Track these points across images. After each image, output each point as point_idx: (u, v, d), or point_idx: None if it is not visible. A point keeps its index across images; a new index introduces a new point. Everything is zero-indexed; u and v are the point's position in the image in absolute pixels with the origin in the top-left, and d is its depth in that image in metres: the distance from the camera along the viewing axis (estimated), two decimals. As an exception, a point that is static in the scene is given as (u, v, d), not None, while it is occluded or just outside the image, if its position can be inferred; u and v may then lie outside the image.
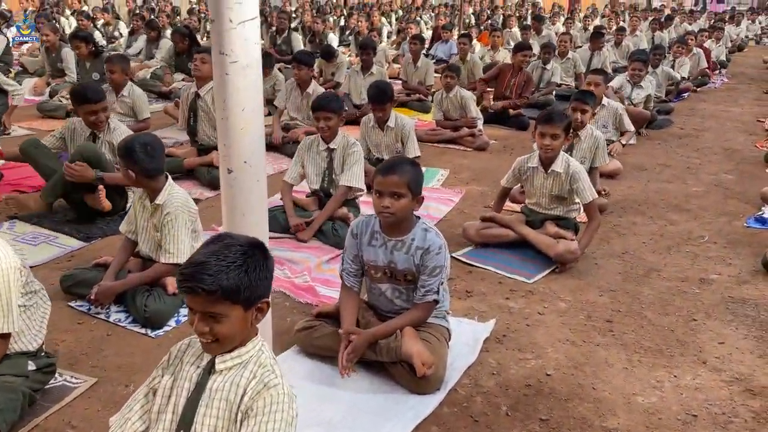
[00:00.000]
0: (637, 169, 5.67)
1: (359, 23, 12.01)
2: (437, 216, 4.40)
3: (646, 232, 4.21)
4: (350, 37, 12.27)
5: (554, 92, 8.34)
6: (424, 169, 5.67)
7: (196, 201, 4.56)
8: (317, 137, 4.01)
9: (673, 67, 8.85)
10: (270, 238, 4.06)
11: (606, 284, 3.44)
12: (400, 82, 8.65)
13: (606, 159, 4.74)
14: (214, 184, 4.66)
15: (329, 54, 8.40)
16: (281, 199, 4.02)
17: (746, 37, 17.94)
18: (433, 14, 18.34)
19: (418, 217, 2.53)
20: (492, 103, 7.46)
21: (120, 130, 4.07)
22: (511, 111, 7.23)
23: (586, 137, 4.55)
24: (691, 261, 3.78)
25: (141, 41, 9.26)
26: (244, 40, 1.65)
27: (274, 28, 9.96)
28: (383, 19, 14.75)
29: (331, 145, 3.96)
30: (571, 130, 3.89)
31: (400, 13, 18.61)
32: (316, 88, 5.75)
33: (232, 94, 1.69)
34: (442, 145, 6.29)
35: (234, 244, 1.52)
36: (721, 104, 9.01)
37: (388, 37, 14.04)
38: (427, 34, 15.96)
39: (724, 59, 12.51)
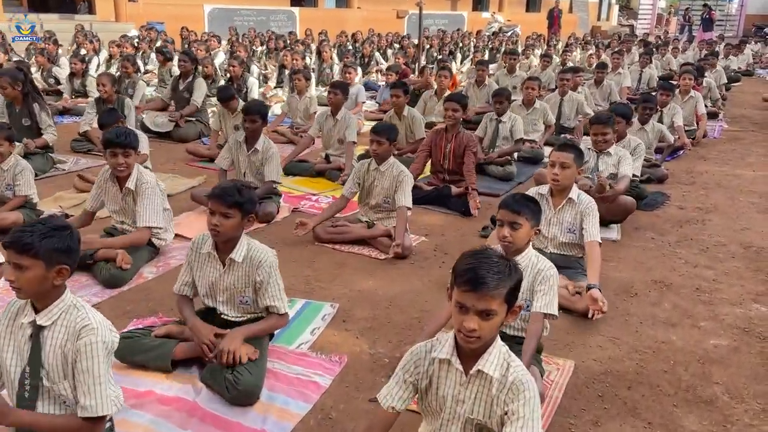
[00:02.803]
0: (622, 293, 3.80)
1: (294, 60, 10.21)
2: (276, 433, 2.50)
3: (642, 476, 2.33)
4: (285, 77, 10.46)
5: (516, 155, 6.54)
6: (303, 301, 3.48)
7: None
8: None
9: (661, 117, 7.05)
10: None
11: None
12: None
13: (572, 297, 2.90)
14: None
15: (226, 97, 6.48)
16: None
17: (738, 68, 16.31)
18: (396, 48, 16.18)
19: None
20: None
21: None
22: (453, 189, 5.39)
23: (526, 268, 2.68)
24: None
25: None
26: None
27: (177, 73, 8.11)
28: (335, 56, 12.84)
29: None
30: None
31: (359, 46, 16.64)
32: (140, 178, 3.81)
33: None
34: (346, 249, 4.37)
35: None
36: (727, 164, 7.19)
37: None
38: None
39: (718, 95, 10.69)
